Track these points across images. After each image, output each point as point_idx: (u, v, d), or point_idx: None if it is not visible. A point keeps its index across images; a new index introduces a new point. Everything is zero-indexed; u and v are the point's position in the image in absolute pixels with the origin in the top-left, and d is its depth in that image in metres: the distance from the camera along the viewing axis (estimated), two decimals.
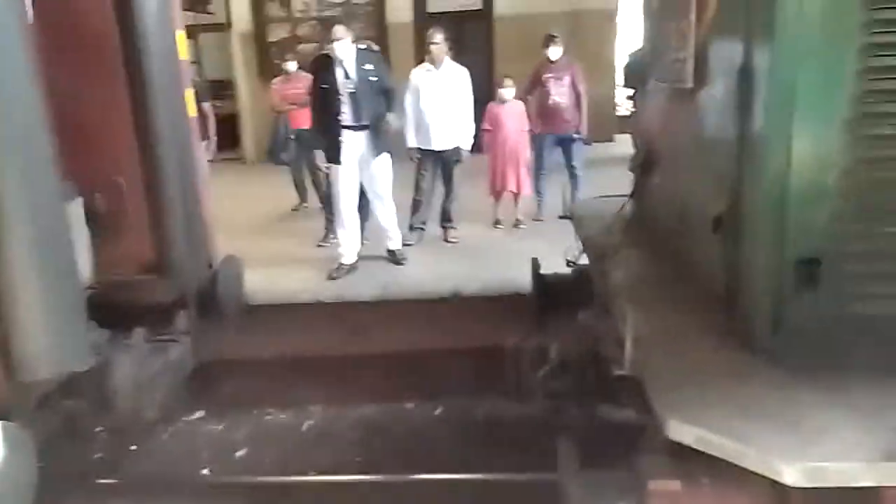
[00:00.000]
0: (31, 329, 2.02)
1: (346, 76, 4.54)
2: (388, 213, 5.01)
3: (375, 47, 4.91)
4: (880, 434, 1.29)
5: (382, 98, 4.67)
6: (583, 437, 1.96)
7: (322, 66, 4.64)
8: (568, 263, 2.93)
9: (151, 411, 2.70)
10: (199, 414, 3.40)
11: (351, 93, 4.53)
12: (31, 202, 2.06)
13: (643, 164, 2.73)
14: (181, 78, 3.01)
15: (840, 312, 1.54)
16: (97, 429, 3.02)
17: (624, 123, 10.78)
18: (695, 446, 1.35)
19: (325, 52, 4.81)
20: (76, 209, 2.66)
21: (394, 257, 5.11)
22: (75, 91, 2.67)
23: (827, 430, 1.31)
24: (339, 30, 4.51)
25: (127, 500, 2.81)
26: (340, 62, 4.53)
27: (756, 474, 1.29)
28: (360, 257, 5.07)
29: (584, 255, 2.88)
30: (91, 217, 2.74)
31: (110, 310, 2.63)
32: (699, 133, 2.04)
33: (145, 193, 2.84)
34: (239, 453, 3.15)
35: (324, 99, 4.60)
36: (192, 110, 3.21)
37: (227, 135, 9.01)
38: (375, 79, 4.58)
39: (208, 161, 4.16)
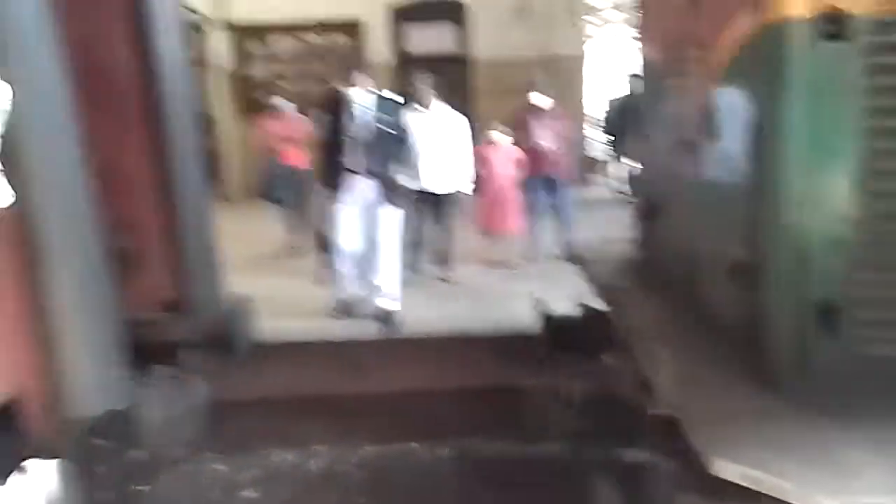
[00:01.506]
0: (77, 367, 2.05)
1: (358, 119, 4.47)
2: (388, 268, 4.77)
3: (399, 98, 4.82)
4: None
5: (395, 148, 4.65)
6: (609, 478, 2.04)
7: (335, 106, 4.56)
8: (578, 305, 3.04)
9: (180, 448, 2.70)
10: (207, 454, 3.39)
11: (361, 137, 4.46)
12: (74, 244, 2.12)
13: (648, 211, 2.89)
14: (194, 120, 3.10)
15: (860, 355, 1.68)
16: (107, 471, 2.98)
17: (593, 165, 11.21)
18: (739, 482, 1.46)
19: (339, 92, 4.69)
20: None
21: (387, 318, 4.72)
22: (101, 137, 2.73)
23: (861, 467, 1.43)
24: (358, 77, 4.47)
25: None
26: (355, 105, 4.48)
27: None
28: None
29: (591, 297, 3.01)
30: (113, 257, 2.77)
31: (130, 347, 2.65)
32: (710, 183, 2.18)
33: (164, 234, 2.90)
34: (246, 493, 3.13)
35: (333, 138, 4.52)
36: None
37: (209, 172, 8.99)
38: (388, 125, 4.52)
39: None
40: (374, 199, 4.59)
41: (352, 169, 4.50)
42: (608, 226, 3.08)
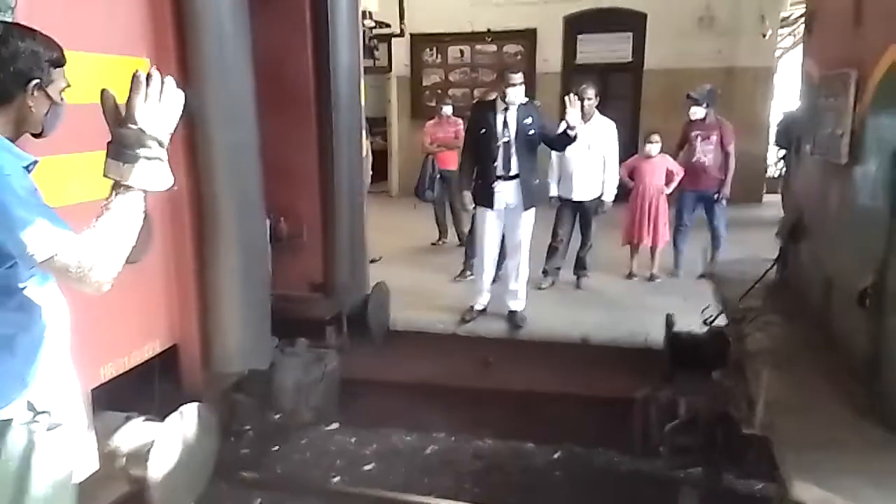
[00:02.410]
0: (230, 328, 2.40)
1: (506, 125, 4.58)
2: (522, 269, 4.88)
3: (537, 102, 4.92)
4: None
5: (536, 153, 4.70)
6: (705, 492, 2.01)
7: (483, 111, 4.73)
8: (705, 322, 2.95)
9: (308, 413, 3.01)
10: (335, 426, 3.68)
11: (506, 142, 4.58)
12: (240, 224, 2.48)
13: (792, 231, 2.74)
14: (360, 121, 3.42)
15: None
16: (246, 428, 3.35)
17: (774, 184, 10.41)
18: None
19: (488, 98, 4.88)
20: None
21: (513, 319, 4.87)
22: (275, 134, 3.10)
23: None
24: (514, 77, 4.52)
25: (263, 495, 3.05)
26: (504, 110, 4.58)
27: None
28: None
29: (722, 316, 2.91)
30: (274, 237, 3.16)
31: (278, 319, 3.00)
32: (850, 207, 2.08)
33: (321, 222, 3.24)
34: (367, 467, 3.38)
35: (480, 143, 4.68)
36: (365, 151, 3.61)
37: (378, 169, 9.68)
38: (532, 132, 4.58)
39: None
40: (515, 203, 4.68)
41: (496, 173, 4.61)
42: (766, 245, 2.93)
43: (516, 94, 4.53)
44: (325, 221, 3.23)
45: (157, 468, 2.21)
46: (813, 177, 2.58)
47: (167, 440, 2.27)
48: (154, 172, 1.34)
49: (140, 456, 2.21)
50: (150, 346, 2.41)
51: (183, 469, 2.30)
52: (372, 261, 6.62)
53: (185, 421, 2.35)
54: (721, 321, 2.93)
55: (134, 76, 1.32)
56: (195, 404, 2.39)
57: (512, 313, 4.91)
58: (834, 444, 1.61)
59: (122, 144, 1.31)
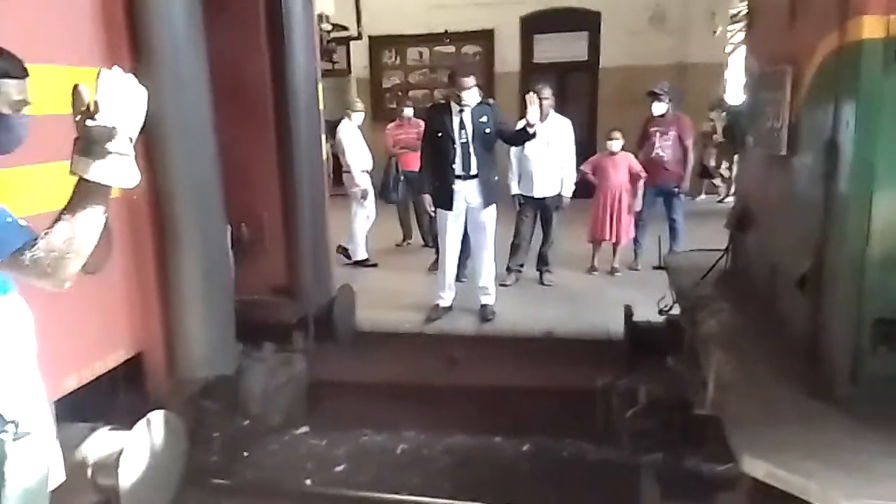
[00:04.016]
0: (193, 334, 2.41)
1: (462, 126, 4.66)
2: (488, 266, 4.99)
3: (491, 100, 5.01)
4: None
5: (493, 151, 4.80)
6: (666, 475, 2.09)
7: (438, 114, 4.80)
8: (660, 312, 3.06)
9: (277, 417, 3.02)
10: (304, 429, 3.68)
11: (464, 143, 4.66)
12: (201, 229, 2.49)
13: (739, 221, 2.86)
14: (319, 125, 3.45)
15: None
16: (214, 435, 3.34)
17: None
18: (764, 480, 1.49)
19: (442, 100, 4.98)
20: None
21: (484, 312, 5.01)
22: (234, 137, 3.12)
23: (890, 475, 1.42)
24: (468, 80, 4.60)
25: (235, 501, 3.04)
26: (459, 112, 4.66)
27: None
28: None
29: (677, 305, 3.01)
30: (236, 243, 3.16)
31: (243, 324, 3.01)
32: (790, 196, 2.19)
33: (282, 226, 3.26)
34: (338, 468, 3.39)
35: (437, 146, 4.75)
36: (324, 153, 3.63)
37: (340, 172, 9.66)
38: (489, 131, 4.67)
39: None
40: (476, 201, 4.76)
41: (455, 173, 4.69)
42: (717, 236, 3.05)
43: (470, 97, 4.62)
44: (287, 225, 3.25)
45: (126, 477, 2.21)
46: (757, 168, 2.69)
47: (135, 448, 2.27)
48: (121, 168, 1.35)
49: (108, 465, 2.21)
50: (113, 356, 2.40)
51: (152, 477, 2.30)
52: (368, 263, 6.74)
53: (153, 429, 2.35)
54: (677, 310, 3.04)
55: (99, 73, 1.32)
56: (162, 411, 2.39)
57: (483, 307, 5.03)
58: (778, 420, 1.70)
59: (89, 140, 1.32)
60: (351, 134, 6.70)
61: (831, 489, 1.38)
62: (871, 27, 1.63)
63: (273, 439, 3.56)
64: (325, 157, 6.37)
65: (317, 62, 3.52)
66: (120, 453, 2.21)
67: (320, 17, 6.86)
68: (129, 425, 2.32)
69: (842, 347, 1.74)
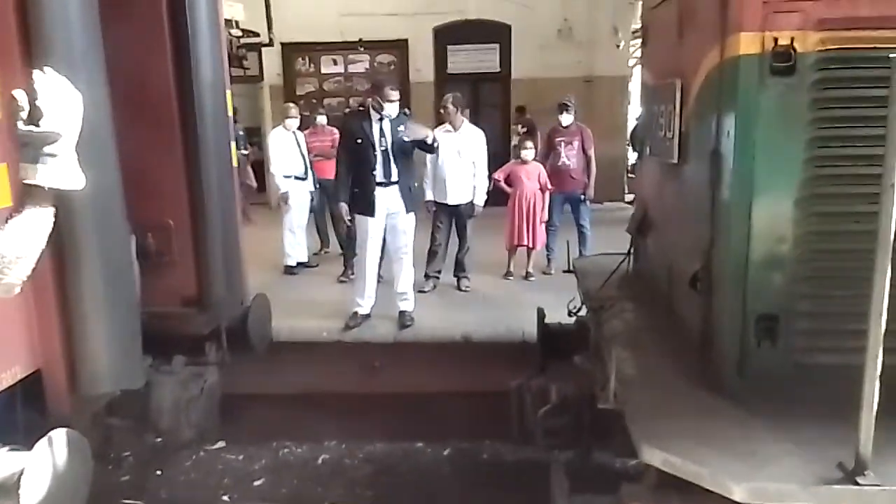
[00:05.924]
0: (96, 348, 2.31)
1: (382, 133, 4.70)
2: (407, 272, 5.04)
3: (408, 110, 5.10)
4: (820, 464, 1.53)
5: (412, 158, 4.89)
6: (575, 468, 2.18)
7: (358, 121, 4.81)
8: (570, 314, 3.18)
9: (189, 432, 2.93)
10: (220, 444, 3.60)
11: (384, 150, 4.71)
12: (103, 240, 2.39)
13: (639, 225, 3.02)
14: (228, 132, 3.38)
15: (794, 362, 1.81)
16: (125, 454, 3.22)
17: (633, 183, 11.21)
18: (661, 468, 1.60)
19: (360, 107, 4.98)
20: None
21: (403, 318, 5.05)
22: (137, 144, 3.01)
23: (775, 459, 1.56)
24: (392, 93, 4.66)
25: None
26: (378, 119, 4.70)
27: (716, 496, 1.52)
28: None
29: (585, 307, 3.15)
30: (142, 254, 3.05)
31: (152, 338, 2.91)
32: (682, 202, 2.35)
33: (191, 235, 3.17)
34: (257, 482, 3.33)
35: (357, 153, 4.76)
36: (234, 161, 3.56)
37: (255, 180, 9.49)
38: (407, 139, 4.74)
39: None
40: (396, 208, 4.82)
41: (376, 180, 4.73)
42: (627, 240, 3.22)
43: (393, 109, 4.69)
44: (196, 234, 3.16)
45: (28, 499, 2.10)
46: (654, 175, 2.86)
47: (36, 469, 2.15)
48: (63, 171, 1.34)
49: (8, 487, 2.08)
50: (9, 373, 2.27)
51: (55, 499, 2.19)
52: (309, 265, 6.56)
53: (55, 448, 2.23)
54: (585, 311, 3.17)
55: (33, 77, 1.31)
56: (64, 430, 2.28)
57: (402, 313, 5.07)
58: (674, 412, 1.82)
59: (35, 146, 1.31)
60: (278, 140, 6.67)
61: (721, 474, 1.50)
62: (747, 43, 1.77)
63: (187, 455, 3.46)
64: (236, 163, 6.30)
65: (225, 68, 3.45)
66: (20, 474, 2.09)
67: (230, 22, 6.74)
68: (29, 445, 2.21)
69: (729, 343, 1.88)
